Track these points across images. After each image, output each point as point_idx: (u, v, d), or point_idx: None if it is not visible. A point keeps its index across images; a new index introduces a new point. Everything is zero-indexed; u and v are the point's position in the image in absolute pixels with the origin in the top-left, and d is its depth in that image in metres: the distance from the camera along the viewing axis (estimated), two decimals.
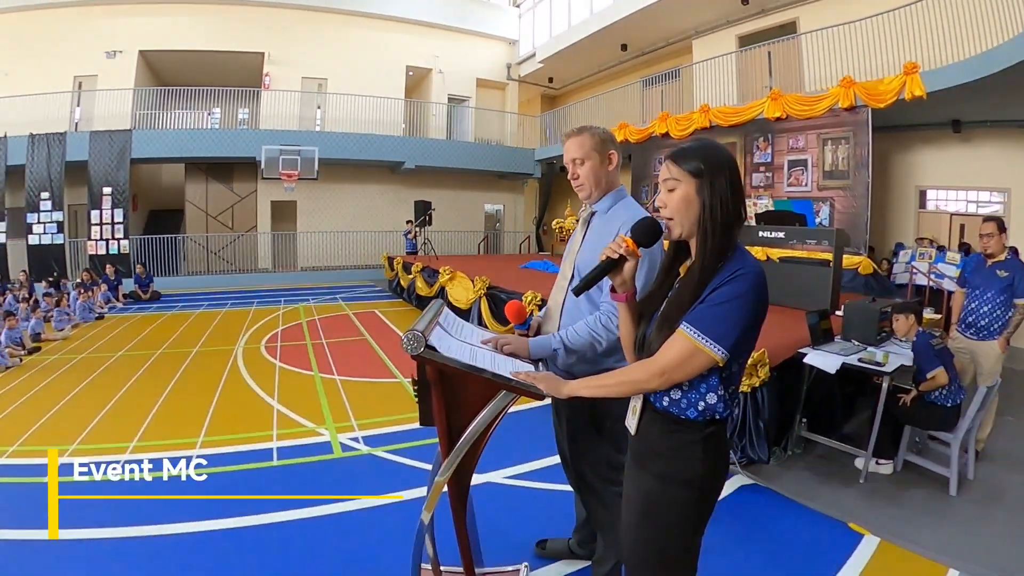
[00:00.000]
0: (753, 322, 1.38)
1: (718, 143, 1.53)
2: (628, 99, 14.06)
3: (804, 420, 4.15)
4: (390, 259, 12.52)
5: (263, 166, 13.16)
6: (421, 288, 9.71)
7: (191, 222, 14.66)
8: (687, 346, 1.35)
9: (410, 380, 1.87)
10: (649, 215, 1.58)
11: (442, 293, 8.73)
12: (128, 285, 11.29)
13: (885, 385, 3.64)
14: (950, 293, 5.93)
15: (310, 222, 15.14)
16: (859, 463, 3.81)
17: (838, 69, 8.98)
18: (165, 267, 13.12)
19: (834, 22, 9.21)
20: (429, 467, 3.57)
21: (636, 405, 1.55)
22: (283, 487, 3.35)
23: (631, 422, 1.57)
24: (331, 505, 3.10)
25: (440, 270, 8.84)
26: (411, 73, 16.68)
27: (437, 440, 3.90)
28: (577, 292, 1.58)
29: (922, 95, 7.26)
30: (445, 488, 1.78)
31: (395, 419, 4.54)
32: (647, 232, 1.53)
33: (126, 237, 12.65)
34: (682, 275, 1.51)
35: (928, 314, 4.97)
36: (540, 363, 1.97)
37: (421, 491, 3.23)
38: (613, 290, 1.56)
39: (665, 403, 1.47)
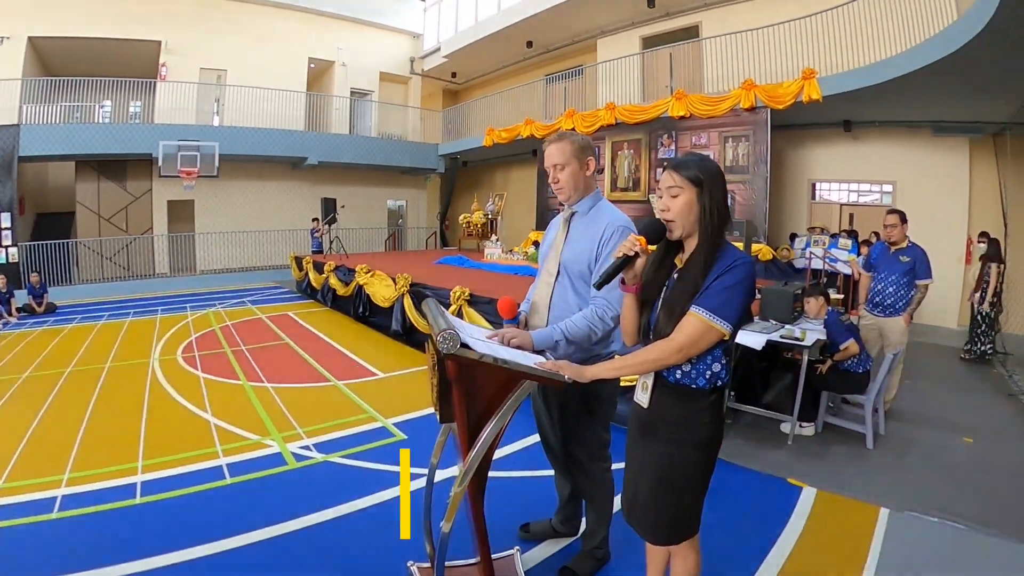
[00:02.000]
0: (748, 301, 1.67)
1: (708, 156, 1.80)
2: (531, 95, 14.38)
3: (732, 393, 4.56)
4: (298, 259, 12.12)
5: (160, 163, 12.28)
6: (337, 287, 9.51)
7: (82, 225, 13.40)
8: (701, 325, 1.61)
9: (431, 371, 1.94)
10: (655, 216, 1.78)
11: (360, 292, 8.62)
12: (21, 297, 10.11)
13: (805, 357, 4.09)
14: (846, 275, 6.64)
15: (209, 222, 14.32)
16: (785, 427, 4.27)
17: (738, 72, 9.71)
18: (57, 276, 11.92)
19: (736, 28, 9.94)
20: (392, 468, 3.67)
21: (648, 382, 1.77)
22: (245, 505, 3.19)
23: (642, 397, 1.79)
24: (303, 518, 3.02)
25: (357, 268, 8.69)
26: (313, 65, 16.14)
27: (393, 440, 3.93)
28: (599, 286, 1.76)
29: (818, 98, 8.06)
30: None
31: (342, 423, 4.47)
32: (655, 231, 1.76)
33: (15, 244, 11.33)
34: (680, 267, 1.75)
35: (833, 294, 5.55)
36: (544, 353, 2.11)
37: (391, 493, 3.27)
38: (623, 283, 1.78)
39: (678, 376, 1.71)
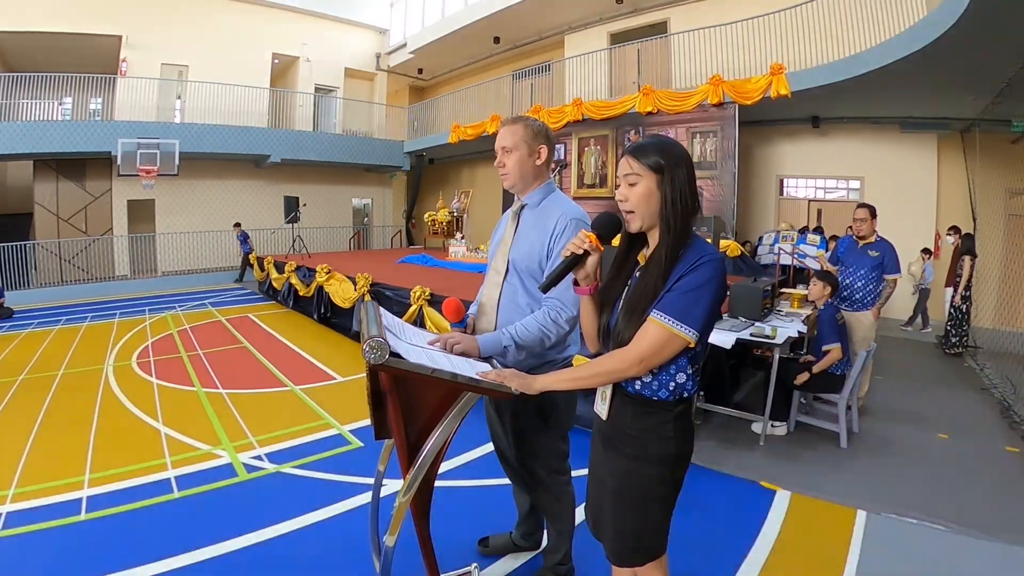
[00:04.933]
0: (717, 304, 1.47)
1: (673, 139, 1.60)
2: (498, 92, 14.27)
3: (701, 393, 4.44)
4: (260, 259, 11.82)
5: (120, 161, 11.88)
6: (298, 288, 9.24)
7: (41, 226, 12.88)
8: (662, 333, 1.41)
9: (367, 390, 1.75)
10: (609, 211, 1.60)
11: (320, 292, 8.38)
12: None
13: (776, 355, 3.98)
14: (814, 271, 6.61)
15: (170, 222, 13.91)
16: (756, 427, 4.16)
17: (706, 68, 9.68)
18: (14, 279, 11.41)
19: (704, 24, 9.89)
20: (345, 479, 3.51)
21: (606, 391, 1.59)
22: (192, 522, 2.99)
23: (601, 408, 1.60)
24: (252, 534, 2.84)
25: (317, 268, 8.45)
26: (277, 61, 15.79)
27: (349, 448, 3.77)
28: (545, 290, 1.58)
29: (787, 94, 8.05)
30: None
31: (296, 431, 4.29)
32: (608, 226, 1.57)
33: None
34: (642, 264, 1.56)
35: (801, 290, 5.48)
36: (491, 360, 1.93)
37: (344, 506, 3.14)
38: (576, 283, 1.59)
39: (637, 387, 1.52)
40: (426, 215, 14.32)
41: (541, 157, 2.14)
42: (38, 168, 12.90)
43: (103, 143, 11.89)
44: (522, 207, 2.20)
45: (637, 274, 1.57)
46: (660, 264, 1.46)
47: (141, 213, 13.66)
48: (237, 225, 13.47)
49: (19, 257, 11.65)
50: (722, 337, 4.05)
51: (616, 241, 1.66)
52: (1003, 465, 3.82)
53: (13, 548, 2.74)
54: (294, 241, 11.77)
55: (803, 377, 4.11)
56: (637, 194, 1.48)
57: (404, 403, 1.63)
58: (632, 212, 1.50)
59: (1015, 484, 3.52)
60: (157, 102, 13.35)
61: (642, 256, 1.59)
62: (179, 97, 14.12)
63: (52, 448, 4.01)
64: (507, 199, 12.85)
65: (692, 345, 1.43)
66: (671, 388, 1.50)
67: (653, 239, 1.54)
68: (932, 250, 8.59)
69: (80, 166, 13.08)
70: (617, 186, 1.56)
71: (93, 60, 13.30)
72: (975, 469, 3.74)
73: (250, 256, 12.90)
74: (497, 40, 14.60)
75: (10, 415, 4.72)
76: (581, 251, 1.52)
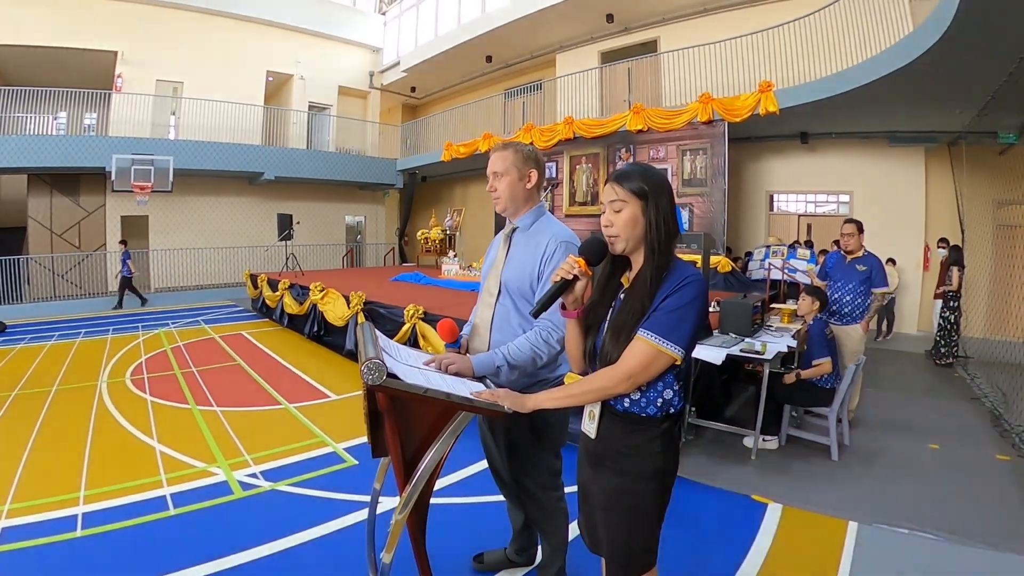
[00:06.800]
0: (701, 322, 1.53)
1: (653, 166, 1.67)
2: (490, 110, 14.37)
3: (693, 409, 4.47)
4: (253, 277, 11.75)
5: (114, 177, 11.88)
6: (290, 306, 9.21)
7: (34, 241, 12.84)
8: (649, 350, 1.47)
9: (365, 408, 1.79)
10: (595, 234, 1.65)
11: (314, 310, 8.38)
12: None
13: (767, 370, 4.03)
14: (805, 285, 6.71)
15: (163, 239, 13.93)
16: (748, 441, 4.20)
17: (696, 86, 9.82)
18: (7, 294, 11.44)
19: (694, 42, 10.05)
20: (340, 496, 3.52)
21: (594, 410, 1.63)
22: (189, 539, 3.00)
23: (590, 427, 1.65)
24: (248, 551, 2.84)
25: (311, 286, 8.44)
26: (271, 79, 15.91)
27: (343, 466, 3.79)
28: (536, 315, 1.64)
29: (775, 111, 8.15)
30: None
31: (290, 449, 4.29)
32: (596, 251, 1.62)
33: None
34: (626, 287, 1.62)
35: (791, 305, 5.54)
36: (485, 380, 1.97)
37: (339, 523, 3.15)
38: (563, 307, 1.64)
39: (626, 404, 1.57)
40: (419, 233, 14.36)
41: (531, 181, 2.20)
42: (32, 182, 12.90)
43: (97, 158, 11.91)
44: (513, 230, 2.26)
45: (621, 296, 1.62)
46: (645, 285, 1.52)
47: (135, 229, 13.64)
48: (123, 243, 12.64)
49: (12, 271, 11.66)
50: (712, 353, 4.10)
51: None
52: (994, 473, 3.88)
53: (8, 564, 2.74)
54: (287, 259, 11.79)
55: (791, 377, 4.18)
56: (623, 220, 1.55)
57: (401, 422, 1.66)
58: (617, 236, 1.56)
59: (1006, 492, 3.58)
60: (152, 118, 13.40)
61: (625, 279, 1.64)
62: (174, 113, 14.19)
63: (47, 464, 4.00)
64: (499, 218, 12.84)
65: (678, 362, 1.49)
66: (659, 404, 1.55)
67: (636, 261, 1.60)
68: (895, 260, 8.68)
69: (74, 181, 13.09)
70: (602, 212, 1.62)
71: (88, 75, 13.36)
72: (966, 478, 3.79)
73: (131, 280, 12.34)
74: (489, 59, 14.79)
75: (4, 430, 4.71)
76: (571, 276, 1.57)
